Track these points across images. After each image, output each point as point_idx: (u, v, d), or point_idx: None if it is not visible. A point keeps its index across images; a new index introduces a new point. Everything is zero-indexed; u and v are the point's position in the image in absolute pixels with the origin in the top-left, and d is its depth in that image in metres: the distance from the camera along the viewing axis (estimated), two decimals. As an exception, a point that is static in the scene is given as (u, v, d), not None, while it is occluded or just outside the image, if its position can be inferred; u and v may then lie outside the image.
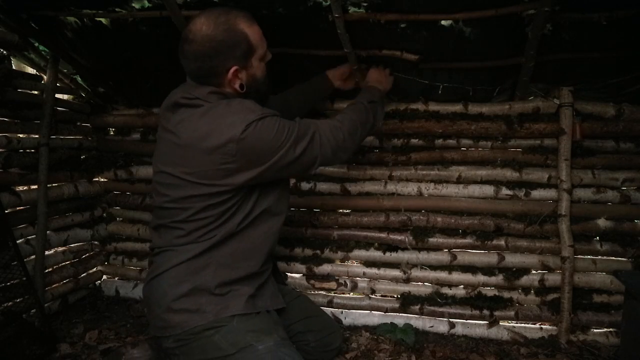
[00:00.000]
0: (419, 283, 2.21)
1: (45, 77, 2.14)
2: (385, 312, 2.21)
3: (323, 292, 2.30)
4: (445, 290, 2.17)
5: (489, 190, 2.09)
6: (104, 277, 2.54)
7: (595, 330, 2.05)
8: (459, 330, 2.12)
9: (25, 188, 2.15)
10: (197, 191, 1.36)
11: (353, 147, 1.59)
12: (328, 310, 2.20)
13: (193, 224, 1.39)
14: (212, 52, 1.33)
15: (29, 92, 2.10)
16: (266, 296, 1.50)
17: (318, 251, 2.23)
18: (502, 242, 2.08)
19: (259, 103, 1.46)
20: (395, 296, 2.23)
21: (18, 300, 1.88)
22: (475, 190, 2.10)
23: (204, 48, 1.33)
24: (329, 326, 1.76)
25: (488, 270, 2.11)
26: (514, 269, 2.10)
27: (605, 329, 2.04)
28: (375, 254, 2.19)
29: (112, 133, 2.50)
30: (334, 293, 2.30)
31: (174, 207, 1.41)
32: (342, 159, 1.60)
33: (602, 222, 2.03)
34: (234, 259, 1.42)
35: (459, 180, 2.12)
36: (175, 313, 1.35)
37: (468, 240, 2.10)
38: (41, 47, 2.06)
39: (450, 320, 2.14)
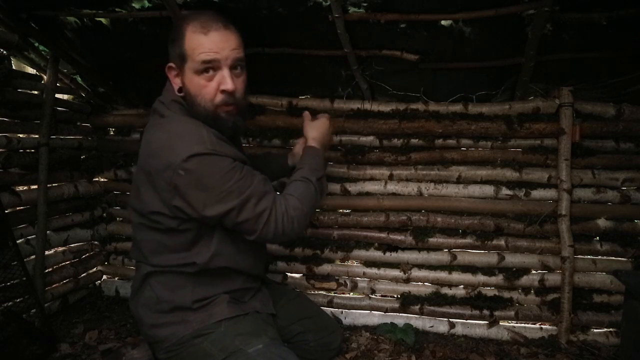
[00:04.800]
0: (419, 283, 2.21)
1: (45, 77, 2.14)
2: (385, 312, 2.21)
3: (323, 292, 2.30)
4: (445, 290, 2.17)
5: (489, 190, 2.09)
6: (104, 277, 2.54)
7: (595, 330, 2.05)
8: (459, 330, 2.12)
9: (25, 188, 2.15)
10: (146, 208, 1.30)
11: (294, 235, 1.37)
12: (328, 310, 2.20)
13: (150, 246, 1.35)
14: (168, 38, 1.31)
15: (29, 92, 2.10)
16: (254, 300, 1.48)
17: (318, 251, 2.23)
18: (502, 242, 2.08)
19: (224, 134, 1.30)
20: (395, 296, 2.23)
21: (18, 300, 1.88)
22: (475, 190, 2.10)
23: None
24: (329, 326, 1.76)
25: (488, 270, 2.11)
26: (514, 269, 2.10)
27: (605, 329, 2.04)
28: (375, 254, 2.19)
29: (112, 133, 2.50)
30: (334, 293, 2.30)
31: (137, 222, 1.38)
32: (277, 242, 1.47)
33: (602, 222, 2.03)
34: (212, 279, 1.37)
35: (459, 180, 2.13)
36: (161, 327, 1.35)
37: (468, 240, 2.10)
38: (41, 47, 2.06)
39: (450, 320, 2.14)
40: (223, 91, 1.27)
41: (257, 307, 1.45)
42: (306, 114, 1.67)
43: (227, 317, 1.35)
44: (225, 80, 1.26)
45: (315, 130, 1.59)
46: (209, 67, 1.25)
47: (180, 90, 1.31)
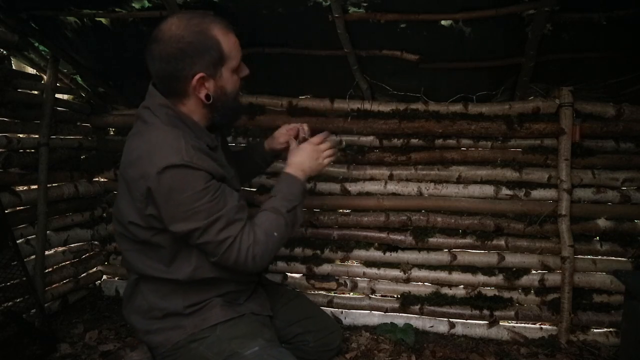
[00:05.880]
0: (419, 283, 2.21)
1: (45, 77, 2.14)
2: (385, 312, 2.21)
3: (323, 292, 2.30)
4: (445, 290, 2.17)
5: (489, 190, 2.09)
6: (104, 277, 2.54)
7: (595, 330, 2.05)
8: (459, 330, 2.12)
9: (25, 188, 2.15)
10: (124, 218, 1.27)
11: (255, 270, 1.31)
12: (328, 310, 2.20)
13: (133, 257, 1.32)
14: (178, 53, 1.21)
15: (29, 92, 2.10)
16: (250, 301, 1.46)
17: (318, 251, 2.23)
18: (502, 242, 2.08)
19: (225, 124, 1.39)
20: (395, 296, 2.23)
21: (18, 300, 1.88)
22: (475, 190, 2.10)
23: (170, 49, 1.21)
24: (329, 326, 1.75)
25: (488, 270, 2.11)
26: (514, 269, 2.10)
27: (605, 329, 2.04)
28: (375, 254, 2.19)
29: (112, 133, 2.50)
30: (334, 293, 2.30)
31: (118, 231, 1.36)
32: (237, 271, 1.31)
33: (602, 222, 2.03)
34: (202, 285, 1.34)
35: (459, 180, 2.13)
36: (155, 334, 1.35)
37: (468, 240, 2.10)
38: (41, 47, 2.06)
39: (450, 320, 2.14)
40: (243, 78, 1.35)
41: (253, 309, 1.44)
42: (292, 140, 1.57)
43: (222, 320, 1.33)
44: (245, 68, 1.35)
45: (296, 155, 1.48)
46: (241, 62, 1.32)
47: (208, 97, 1.27)
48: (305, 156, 1.47)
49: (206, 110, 1.31)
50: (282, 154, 1.70)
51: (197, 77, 1.23)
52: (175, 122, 1.26)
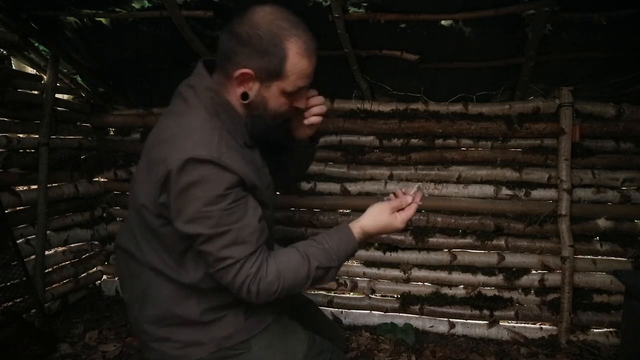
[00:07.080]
0: (419, 283, 2.21)
1: (45, 77, 2.14)
2: (385, 312, 2.21)
3: (323, 292, 2.30)
4: (445, 290, 2.17)
5: (489, 190, 2.09)
6: (104, 277, 2.54)
7: (595, 330, 2.05)
8: (459, 330, 2.12)
9: (25, 188, 2.15)
10: (138, 200, 1.17)
11: (249, 301, 1.15)
12: (328, 310, 2.20)
13: (146, 240, 1.21)
14: (244, 38, 1.10)
15: (29, 92, 2.10)
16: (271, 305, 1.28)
17: (318, 251, 2.23)
18: (502, 242, 2.08)
19: (255, 135, 1.22)
20: (395, 296, 2.23)
21: (18, 300, 1.88)
22: (475, 190, 2.10)
23: (242, 29, 1.11)
24: (333, 337, 1.58)
25: (488, 270, 2.11)
26: (514, 269, 2.10)
27: (605, 329, 2.04)
28: (375, 254, 2.19)
29: (112, 133, 2.50)
30: (334, 293, 2.30)
31: (131, 211, 1.25)
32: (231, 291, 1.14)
33: (602, 222, 2.03)
34: (216, 290, 1.20)
35: (459, 180, 2.13)
36: (173, 345, 1.20)
37: (468, 240, 2.10)
38: (41, 47, 2.06)
39: (450, 320, 2.14)
40: (296, 108, 1.24)
41: (277, 311, 1.30)
42: (399, 197, 1.28)
43: (247, 338, 1.21)
44: (303, 101, 1.24)
45: (372, 217, 1.27)
46: (301, 91, 1.20)
47: (245, 97, 1.15)
48: (382, 224, 1.27)
49: (244, 109, 1.19)
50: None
51: (243, 70, 1.11)
52: (217, 110, 1.15)
